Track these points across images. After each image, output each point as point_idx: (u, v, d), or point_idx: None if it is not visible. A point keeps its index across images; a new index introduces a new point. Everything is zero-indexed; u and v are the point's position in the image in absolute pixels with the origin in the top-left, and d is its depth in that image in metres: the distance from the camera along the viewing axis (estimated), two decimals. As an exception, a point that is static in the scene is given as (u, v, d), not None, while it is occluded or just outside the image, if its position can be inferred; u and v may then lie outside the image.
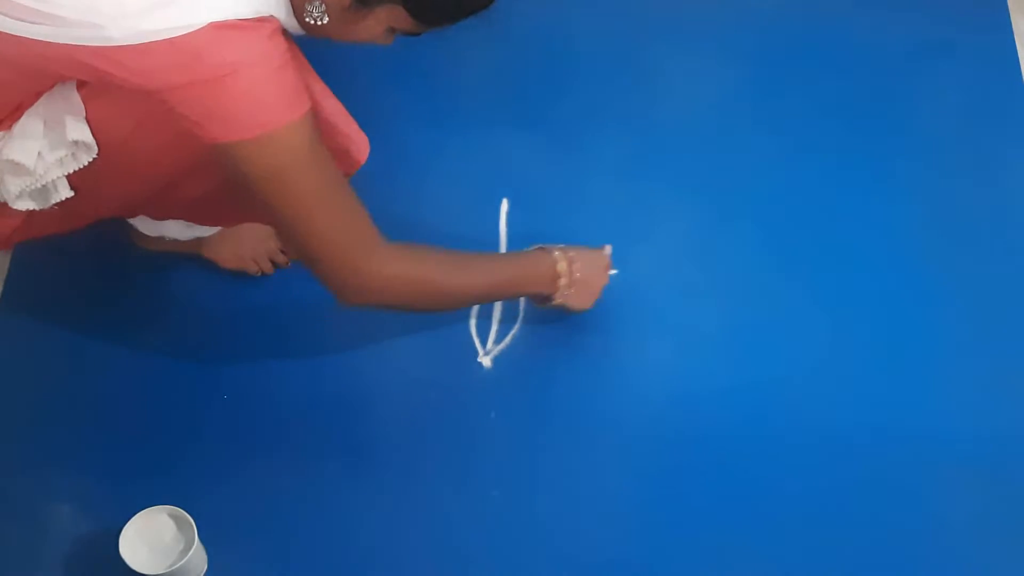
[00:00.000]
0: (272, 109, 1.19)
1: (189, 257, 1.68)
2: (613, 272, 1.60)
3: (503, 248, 1.73)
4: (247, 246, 1.66)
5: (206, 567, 1.44)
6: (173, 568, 1.36)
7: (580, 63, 1.94)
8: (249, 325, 1.66)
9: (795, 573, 1.47)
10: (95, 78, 1.20)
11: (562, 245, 1.54)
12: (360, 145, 1.49)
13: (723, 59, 1.96)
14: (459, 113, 1.87)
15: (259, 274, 1.68)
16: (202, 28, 1.14)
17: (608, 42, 1.97)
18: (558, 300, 1.55)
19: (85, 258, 1.71)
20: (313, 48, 1.33)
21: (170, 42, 1.14)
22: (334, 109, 1.41)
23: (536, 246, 1.55)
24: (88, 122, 1.25)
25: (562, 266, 1.52)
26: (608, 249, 1.61)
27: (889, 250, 1.74)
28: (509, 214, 1.76)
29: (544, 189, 1.79)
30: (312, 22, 1.25)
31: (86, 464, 1.53)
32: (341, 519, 1.50)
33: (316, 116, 1.25)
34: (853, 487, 1.53)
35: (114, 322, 1.65)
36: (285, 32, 1.25)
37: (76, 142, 1.26)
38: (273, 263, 1.69)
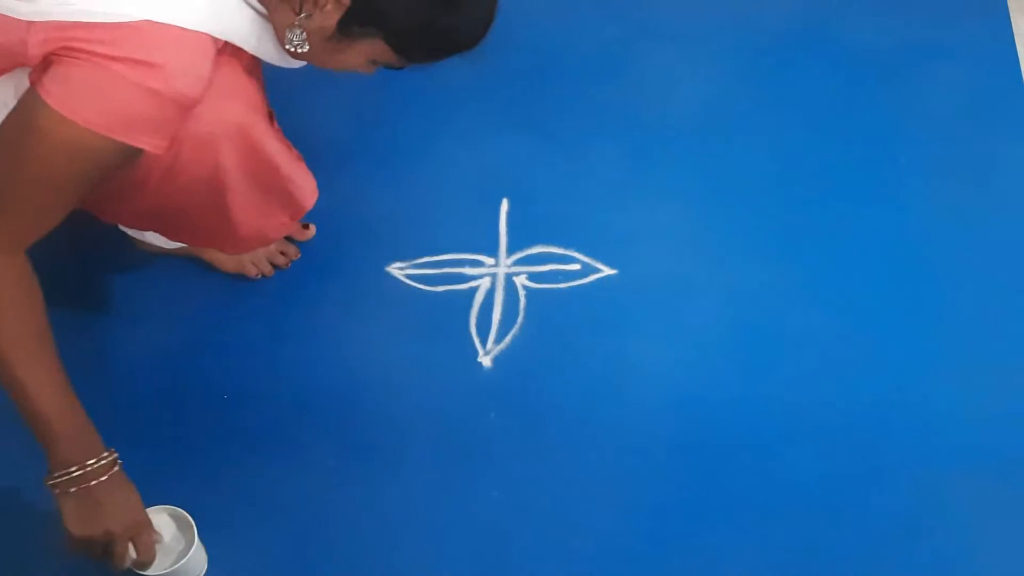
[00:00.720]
0: (99, 112, 1.14)
1: (189, 259, 1.68)
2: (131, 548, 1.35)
3: (503, 248, 1.73)
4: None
5: (206, 567, 1.44)
6: (173, 568, 1.36)
7: (580, 63, 1.94)
8: (249, 326, 1.66)
9: (795, 572, 1.47)
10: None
11: (111, 479, 1.31)
12: (305, 190, 1.48)
13: (722, 59, 1.96)
14: (459, 113, 1.87)
15: (258, 277, 1.68)
16: (136, 20, 1.13)
17: (608, 43, 1.97)
18: (54, 491, 1.30)
19: (85, 259, 1.71)
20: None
21: (95, 24, 1.13)
22: (276, 150, 1.39)
23: (94, 455, 1.30)
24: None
25: (78, 472, 1.27)
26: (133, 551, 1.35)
27: (889, 249, 1.74)
28: (509, 214, 1.76)
29: (544, 189, 1.79)
30: (292, 49, 1.25)
31: (86, 464, 1.53)
32: (341, 519, 1.50)
33: (129, 155, 1.19)
34: (853, 486, 1.53)
35: (114, 323, 1.65)
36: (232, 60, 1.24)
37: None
38: (272, 265, 1.69)
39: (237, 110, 1.30)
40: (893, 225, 1.77)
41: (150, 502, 1.40)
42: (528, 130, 1.85)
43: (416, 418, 1.58)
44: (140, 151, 1.20)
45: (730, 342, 1.65)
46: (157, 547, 1.38)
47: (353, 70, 1.30)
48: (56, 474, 1.28)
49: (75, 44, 1.13)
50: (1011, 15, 2.00)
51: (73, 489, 1.28)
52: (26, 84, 1.20)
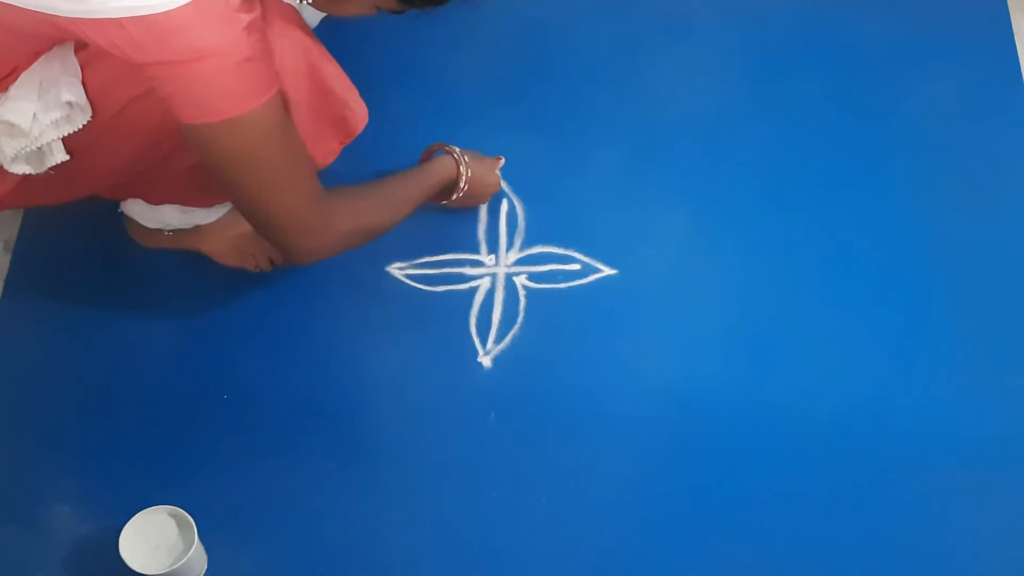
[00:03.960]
0: (235, 97, 1.21)
1: (188, 255, 1.68)
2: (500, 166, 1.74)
3: (503, 248, 1.73)
4: (246, 243, 1.65)
5: (206, 567, 1.44)
6: (173, 568, 1.36)
7: (581, 63, 1.94)
8: (249, 323, 1.66)
9: (795, 572, 1.47)
10: (83, 44, 1.21)
11: (459, 149, 1.66)
12: (358, 113, 1.49)
13: (722, 58, 1.95)
14: (459, 113, 1.87)
15: (258, 271, 1.68)
16: (181, 7, 1.14)
17: (608, 43, 1.97)
18: (455, 199, 1.67)
19: (85, 257, 1.71)
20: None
21: (142, 19, 1.14)
22: (333, 74, 1.41)
23: (438, 147, 1.68)
24: (84, 85, 1.26)
25: (462, 168, 1.65)
26: (501, 161, 1.75)
27: (888, 249, 1.74)
28: (509, 214, 1.76)
29: (544, 189, 1.79)
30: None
31: (86, 464, 1.53)
32: (341, 519, 1.50)
33: (284, 98, 1.28)
34: (853, 486, 1.53)
35: (113, 321, 1.65)
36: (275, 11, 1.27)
37: (71, 103, 1.26)
38: (272, 260, 1.69)
39: (298, 38, 1.33)
40: (893, 224, 1.76)
41: (150, 502, 1.41)
42: (528, 130, 1.85)
43: (416, 418, 1.58)
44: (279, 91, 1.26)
45: (730, 342, 1.65)
46: (157, 547, 1.38)
47: (356, 15, 1.32)
48: (458, 191, 1.67)
49: (148, 59, 1.16)
50: (1011, 15, 1.99)
51: (467, 188, 1.67)
52: (72, 59, 1.25)
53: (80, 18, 1.15)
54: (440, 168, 1.64)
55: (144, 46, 1.16)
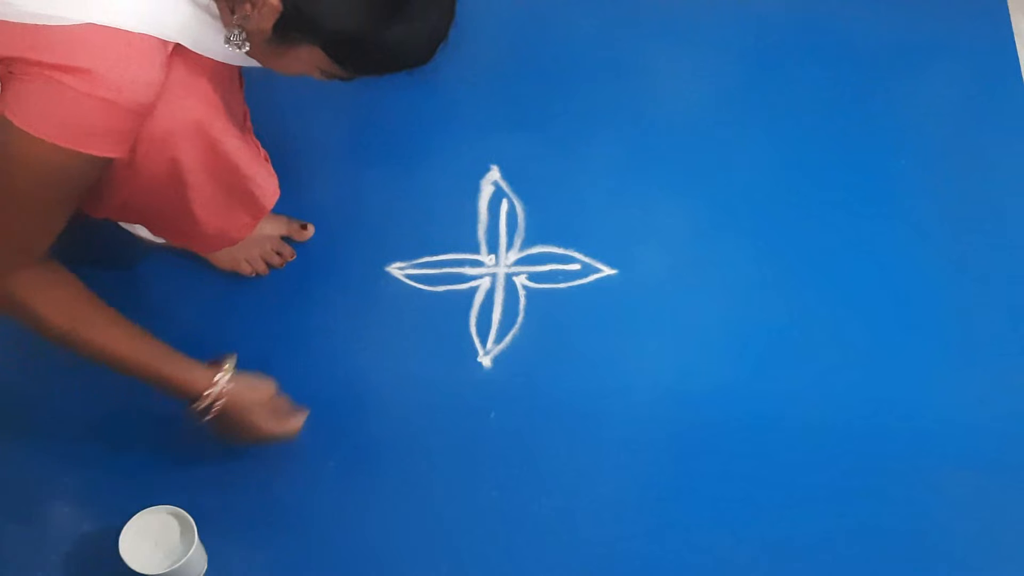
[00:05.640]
0: (54, 124, 1.15)
1: (188, 255, 1.68)
2: (289, 425, 1.48)
3: (503, 248, 1.73)
4: (241, 247, 1.65)
5: (206, 567, 1.44)
6: (173, 568, 1.36)
7: (580, 63, 1.94)
8: (248, 323, 1.66)
9: (794, 572, 1.47)
10: None
11: (231, 375, 1.40)
12: (267, 190, 1.47)
13: (721, 58, 1.96)
14: (459, 112, 1.87)
15: (253, 275, 1.68)
16: (82, 24, 1.12)
17: (606, 42, 1.97)
18: (197, 410, 1.41)
19: (82, 259, 1.70)
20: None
21: (37, 27, 1.12)
22: (236, 150, 1.38)
23: (213, 362, 1.41)
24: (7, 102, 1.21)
25: (216, 389, 1.39)
26: (303, 415, 1.50)
27: (888, 249, 1.74)
28: (508, 214, 1.76)
29: (544, 189, 1.79)
30: (232, 50, 1.23)
31: (86, 464, 1.53)
32: (341, 519, 1.50)
33: (100, 165, 1.21)
34: (853, 485, 1.53)
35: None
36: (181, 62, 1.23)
37: None
38: (268, 264, 1.69)
39: (193, 108, 1.29)
40: (893, 224, 1.77)
41: (150, 502, 1.41)
42: (528, 130, 1.85)
43: (416, 418, 1.58)
44: (109, 159, 1.21)
45: (730, 341, 1.65)
46: (157, 547, 1.38)
47: (300, 75, 1.28)
48: (192, 408, 1.40)
49: (26, 55, 1.14)
50: (1011, 15, 1.99)
51: (212, 413, 1.40)
52: None
53: None
54: (185, 371, 1.38)
55: (23, 45, 1.13)
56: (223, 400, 1.39)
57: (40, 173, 1.19)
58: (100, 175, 1.26)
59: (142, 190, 1.35)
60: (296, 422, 1.49)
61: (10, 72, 1.16)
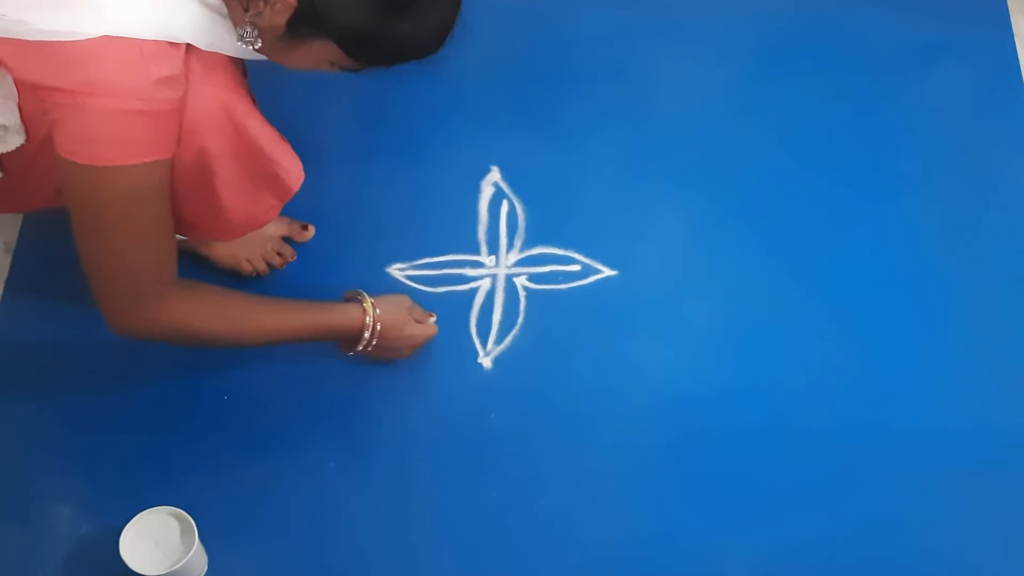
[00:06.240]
0: (109, 146, 1.19)
1: (185, 254, 1.68)
2: (431, 325, 1.59)
3: (503, 249, 1.73)
4: (242, 245, 1.65)
5: (206, 567, 1.44)
6: (173, 568, 1.36)
7: (581, 63, 1.94)
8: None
9: (794, 572, 1.47)
10: None
11: (372, 300, 1.51)
12: (291, 171, 1.47)
13: (722, 58, 1.96)
14: (460, 113, 1.87)
15: (253, 274, 1.68)
16: (90, 39, 1.14)
17: (609, 42, 1.97)
18: (361, 351, 1.53)
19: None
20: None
21: (49, 44, 1.14)
22: (260, 132, 1.38)
23: (352, 294, 1.53)
24: (20, 109, 1.24)
25: (368, 320, 1.49)
26: (432, 316, 1.61)
27: (888, 249, 1.74)
28: (509, 215, 1.76)
29: (544, 190, 1.79)
30: (245, 46, 1.25)
31: (86, 464, 1.53)
32: (341, 519, 1.50)
33: (167, 166, 1.25)
34: (853, 485, 1.53)
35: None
36: (198, 60, 1.25)
37: (5, 127, 1.25)
38: (268, 264, 1.69)
39: (215, 95, 1.29)
40: (893, 225, 1.77)
41: (151, 503, 1.41)
42: (528, 130, 1.85)
43: (416, 419, 1.58)
44: (171, 157, 1.24)
45: (730, 343, 1.65)
46: (157, 548, 1.38)
47: (310, 69, 1.30)
48: (353, 351, 1.52)
49: (47, 82, 1.16)
50: (1011, 15, 1.99)
51: (375, 342, 1.50)
52: (8, 81, 1.21)
53: None
54: (340, 314, 1.50)
55: (42, 69, 1.16)
56: (380, 324, 1.49)
57: (129, 196, 1.24)
58: (169, 177, 1.28)
59: (172, 184, 1.35)
60: (432, 319, 1.60)
61: (43, 110, 1.19)
